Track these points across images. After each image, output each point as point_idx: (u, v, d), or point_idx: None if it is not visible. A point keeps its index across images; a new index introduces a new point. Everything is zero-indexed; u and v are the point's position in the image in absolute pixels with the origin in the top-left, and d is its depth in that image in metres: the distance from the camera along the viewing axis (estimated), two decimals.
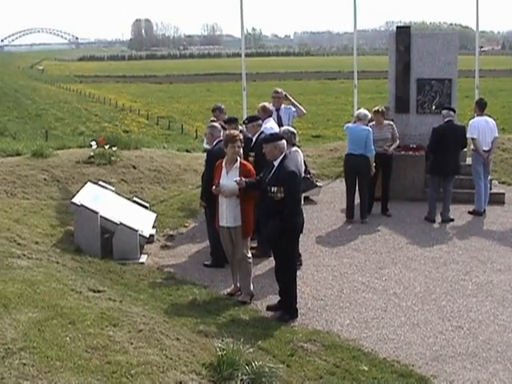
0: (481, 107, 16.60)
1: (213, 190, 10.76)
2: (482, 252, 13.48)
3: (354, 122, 15.77)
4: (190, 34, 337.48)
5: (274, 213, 9.86)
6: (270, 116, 14.59)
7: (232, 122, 13.17)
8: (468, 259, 13.05)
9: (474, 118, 16.71)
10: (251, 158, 12.31)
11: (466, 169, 16.91)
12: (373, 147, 15.39)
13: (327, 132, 36.56)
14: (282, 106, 16.11)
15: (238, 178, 10.36)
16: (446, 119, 15.71)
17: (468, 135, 16.12)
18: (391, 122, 16.61)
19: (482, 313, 10.47)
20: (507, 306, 10.74)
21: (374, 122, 16.20)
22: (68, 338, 7.07)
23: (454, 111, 16.06)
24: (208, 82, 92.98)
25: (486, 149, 16.21)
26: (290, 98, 16.72)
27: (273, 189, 9.88)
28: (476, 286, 11.59)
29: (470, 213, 16.20)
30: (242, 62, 20.66)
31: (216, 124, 12.91)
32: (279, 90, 16.47)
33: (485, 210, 16.22)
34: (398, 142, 16.49)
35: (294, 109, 16.47)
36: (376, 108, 16.46)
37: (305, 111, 17.16)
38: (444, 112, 15.86)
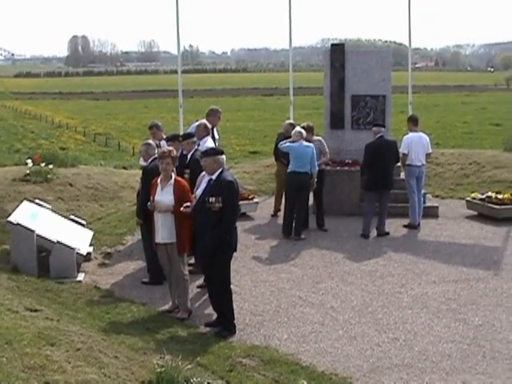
0: (415, 122, 16.86)
1: (148, 206, 10.82)
2: (417, 264, 13.70)
3: (293, 141, 15.69)
4: (127, 51, 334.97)
5: (212, 225, 9.91)
6: (208, 135, 14.54)
7: (174, 139, 13.23)
8: (403, 272, 13.25)
9: (407, 133, 16.95)
10: (186, 176, 12.32)
11: (400, 183, 17.16)
12: (316, 163, 15.53)
13: (264, 148, 36.53)
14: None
15: (187, 205, 10.42)
16: (378, 135, 15.93)
17: (400, 150, 16.41)
18: (320, 138, 16.77)
19: (418, 324, 10.64)
20: (442, 317, 10.93)
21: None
22: (5, 359, 7.00)
23: (384, 126, 16.28)
24: (145, 98, 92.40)
25: (418, 164, 16.46)
26: None
27: (211, 199, 9.91)
28: (411, 298, 11.78)
29: (405, 226, 16.45)
30: (178, 79, 20.69)
31: (150, 141, 13.04)
32: (218, 108, 16.41)
33: (419, 224, 16.49)
34: (327, 157, 16.66)
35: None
36: (303, 125, 16.51)
37: None
38: (374, 129, 16.08)
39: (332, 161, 17.49)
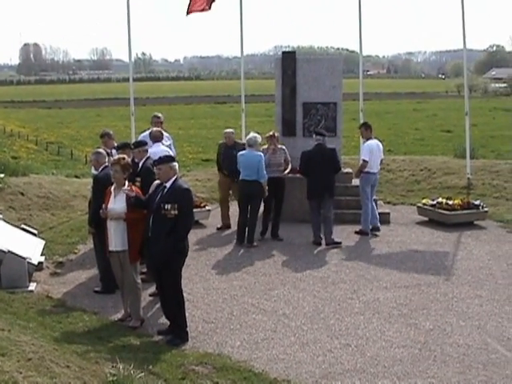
0: (371, 130, 16.92)
1: (100, 213, 10.79)
2: (368, 270, 13.81)
3: (244, 149, 15.77)
4: (80, 59, 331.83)
5: (166, 232, 9.92)
6: (160, 140, 14.64)
7: (124, 147, 13.21)
8: (355, 278, 13.35)
9: (366, 140, 16.89)
10: (137, 183, 12.28)
11: (352, 190, 17.28)
12: (265, 172, 15.53)
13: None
14: (165, 134, 16.00)
15: (127, 187, 10.44)
16: (315, 143, 16.00)
17: (361, 157, 16.56)
18: (283, 147, 16.82)
19: (370, 330, 10.72)
20: (393, 322, 11.03)
21: (266, 146, 16.35)
22: None
23: (324, 135, 16.25)
24: (98, 106, 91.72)
25: (375, 171, 16.59)
26: None
27: (166, 206, 9.92)
28: (363, 304, 11.87)
29: (356, 233, 16.56)
30: (130, 87, 20.63)
31: (101, 150, 13.05)
32: (159, 114, 16.58)
33: (371, 230, 16.60)
34: (290, 165, 16.71)
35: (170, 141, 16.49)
36: (271, 133, 16.60)
37: None
38: (313, 137, 16.20)
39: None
